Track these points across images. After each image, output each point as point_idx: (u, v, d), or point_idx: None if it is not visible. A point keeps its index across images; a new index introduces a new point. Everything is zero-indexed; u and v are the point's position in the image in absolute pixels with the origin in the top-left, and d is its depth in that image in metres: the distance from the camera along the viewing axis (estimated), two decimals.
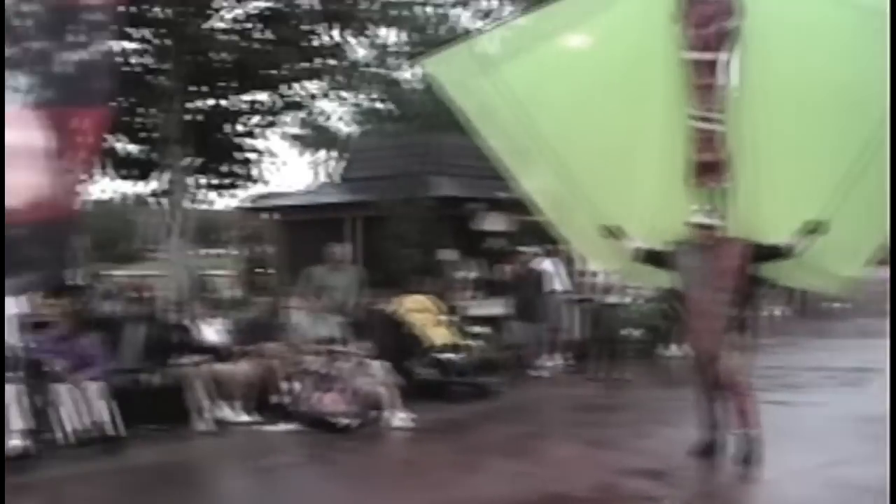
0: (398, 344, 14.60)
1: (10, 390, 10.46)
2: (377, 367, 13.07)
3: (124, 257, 41.69)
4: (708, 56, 9.98)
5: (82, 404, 11.02)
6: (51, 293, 12.86)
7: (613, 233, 10.36)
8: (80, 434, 10.88)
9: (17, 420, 10.33)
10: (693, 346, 10.75)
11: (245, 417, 12.53)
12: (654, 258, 10.42)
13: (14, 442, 10.19)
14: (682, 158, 10.16)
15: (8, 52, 6.62)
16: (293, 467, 10.83)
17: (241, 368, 12.75)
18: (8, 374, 10.67)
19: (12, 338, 11.57)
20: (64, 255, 6.52)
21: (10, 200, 6.18)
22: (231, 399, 12.54)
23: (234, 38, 18.11)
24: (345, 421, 12.14)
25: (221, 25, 18.20)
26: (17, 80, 6.73)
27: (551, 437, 12.52)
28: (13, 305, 11.71)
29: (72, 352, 11.48)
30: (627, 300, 18.30)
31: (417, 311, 15.39)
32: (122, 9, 6.98)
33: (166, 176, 18.87)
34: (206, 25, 17.75)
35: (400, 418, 12.43)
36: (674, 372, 17.01)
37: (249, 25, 18.25)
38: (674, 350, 18.68)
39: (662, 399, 14.55)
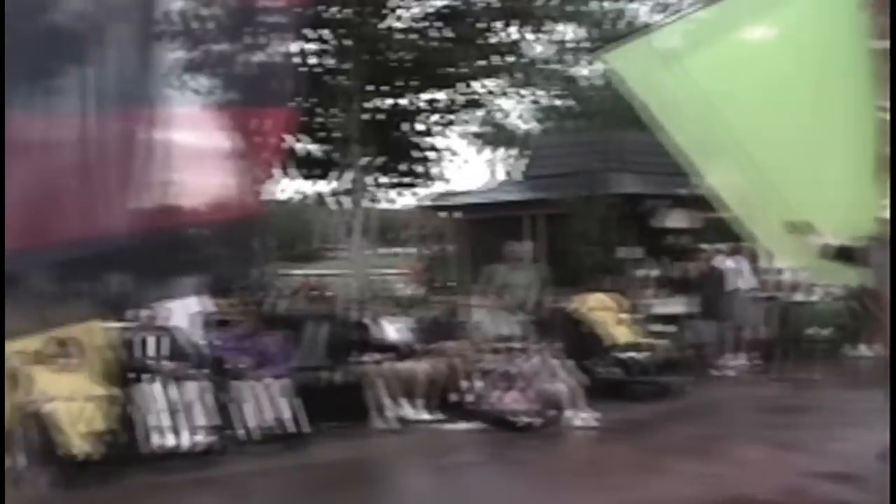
0: (580, 342, 14.42)
1: (194, 387, 10.68)
2: (559, 365, 12.92)
3: (304, 256, 42.31)
4: None
5: (265, 401, 11.16)
6: (233, 292, 13.10)
7: (801, 229, 9.99)
8: (262, 430, 11.01)
9: (201, 416, 10.52)
10: (885, 346, 10.32)
11: (426, 416, 12.53)
12: (845, 254, 10.00)
13: (198, 438, 10.38)
14: (873, 152, 9.76)
15: (188, 55, 6.69)
16: (474, 466, 10.78)
17: (422, 367, 12.75)
18: (192, 371, 10.89)
19: (196, 335, 11.83)
20: (246, 254, 6.57)
21: (192, 201, 6.24)
22: (412, 397, 12.55)
23: (412, 36, 18.18)
24: (526, 420, 12.04)
25: (399, 24, 18.30)
26: (197, 82, 6.80)
27: (736, 439, 12.17)
28: (196, 304, 11.97)
29: (254, 349, 11.66)
30: (815, 298, 17.74)
31: (599, 309, 15.19)
32: (303, 10, 6.99)
33: (347, 175, 19.08)
34: (383, 25, 17.87)
35: (582, 418, 12.27)
36: (863, 372, 16.40)
37: (427, 24, 18.30)
38: (863, 350, 17.99)
39: (851, 400, 13.99)
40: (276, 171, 6.42)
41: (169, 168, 5.65)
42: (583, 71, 32.12)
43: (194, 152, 6.19)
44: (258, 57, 6.61)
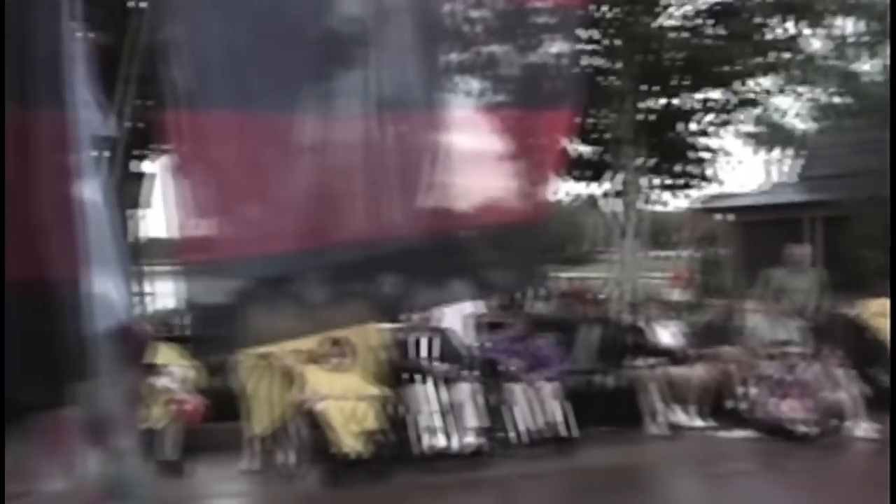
0: (862, 350, 13.79)
1: (466, 389, 10.74)
2: (839, 373, 12.40)
3: (574, 259, 42.39)
4: None
5: (536, 404, 11.13)
6: (505, 295, 13.13)
7: None
8: (532, 434, 10.98)
9: (471, 418, 10.57)
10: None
11: (699, 422, 12.26)
12: None
13: (468, 439, 10.43)
14: None
15: (466, 57, 6.69)
16: (747, 476, 10.46)
17: (696, 372, 12.48)
18: (464, 373, 10.96)
19: (468, 337, 11.90)
20: (530, 259, 6.52)
21: (473, 205, 6.23)
22: (685, 403, 12.30)
23: (685, 34, 17.90)
24: (803, 429, 11.61)
25: (671, 23, 18.04)
26: (475, 85, 6.79)
27: None
28: (469, 306, 12.05)
29: (526, 352, 11.64)
30: None
31: (883, 315, 14.48)
32: (580, 10, 6.89)
33: (619, 177, 18.93)
34: (655, 24, 17.65)
35: (863, 429, 11.74)
36: None
37: (700, 21, 18.00)
38: None
39: None
40: (557, 176, 6.32)
41: (449, 171, 5.65)
42: (863, 66, 31.00)
43: (474, 156, 6.18)
44: (538, 59, 6.56)
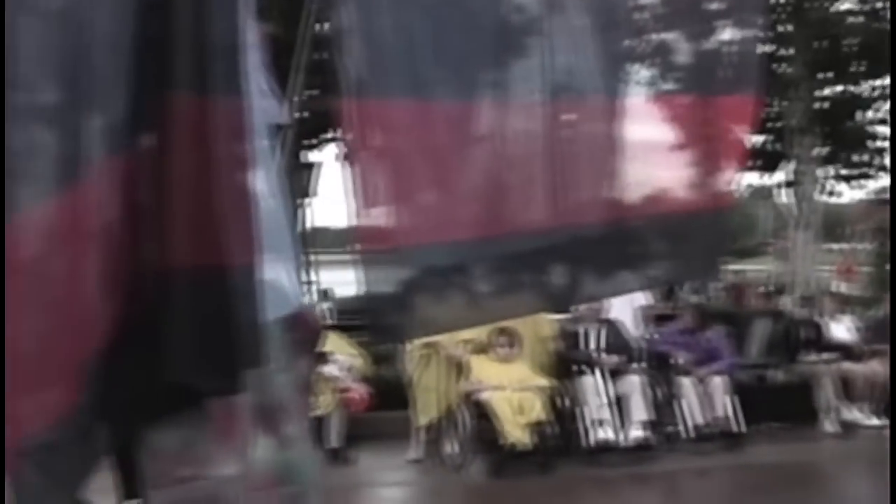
0: None
1: (634, 381, 10.61)
2: None
3: (744, 251, 41.69)
4: None
5: (705, 398, 10.96)
6: (672, 287, 12.93)
7: None
8: (700, 428, 10.81)
9: (639, 411, 10.44)
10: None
11: (874, 420, 11.90)
12: None
13: (635, 433, 10.31)
14: None
15: (637, 42, 6.58)
16: None
17: (871, 368, 12.13)
18: (632, 366, 10.83)
19: (637, 329, 11.76)
20: (703, 249, 6.38)
21: (640, 193, 6.13)
22: (860, 400, 11.96)
23: (863, 19, 17.42)
24: None
25: (848, 6, 17.58)
26: (654, 71, 6.68)
27: None
28: (639, 297, 11.91)
29: (696, 345, 11.47)
30: None
31: None
32: None
33: (792, 167, 18.53)
34: (832, 8, 17.23)
35: None
36: None
37: (879, 4, 17.47)
38: None
39: None
40: (738, 164, 6.17)
41: (625, 160, 5.55)
42: None
43: (651, 144, 6.08)
44: (717, 44, 6.42)
